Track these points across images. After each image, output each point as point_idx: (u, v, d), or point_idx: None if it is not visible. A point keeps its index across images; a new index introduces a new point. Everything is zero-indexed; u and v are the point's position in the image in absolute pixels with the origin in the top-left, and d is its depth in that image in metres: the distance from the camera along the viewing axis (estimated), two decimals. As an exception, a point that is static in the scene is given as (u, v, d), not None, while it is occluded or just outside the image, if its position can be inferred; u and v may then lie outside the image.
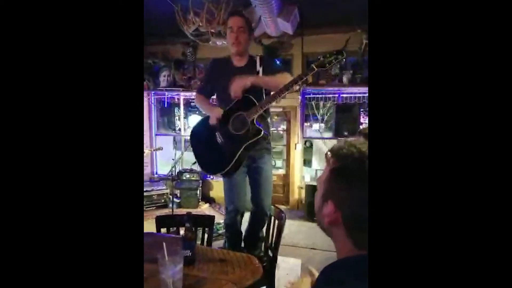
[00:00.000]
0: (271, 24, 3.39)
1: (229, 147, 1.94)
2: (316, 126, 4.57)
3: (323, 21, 3.73)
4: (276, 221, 1.88)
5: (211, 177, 4.64)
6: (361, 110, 4.13)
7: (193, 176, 4.42)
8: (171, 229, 1.87)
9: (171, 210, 3.73)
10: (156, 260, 1.06)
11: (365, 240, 0.53)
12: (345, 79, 3.92)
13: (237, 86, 1.87)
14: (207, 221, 1.84)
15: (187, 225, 1.33)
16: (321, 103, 4.35)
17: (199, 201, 4.42)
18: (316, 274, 0.91)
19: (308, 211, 3.91)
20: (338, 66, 3.90)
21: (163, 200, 4.33)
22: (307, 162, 4.53)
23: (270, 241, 1.90)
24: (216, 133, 1.98)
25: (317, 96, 4.28)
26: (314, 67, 1.84)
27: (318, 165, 4.43)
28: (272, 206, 2.04)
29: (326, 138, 4.44)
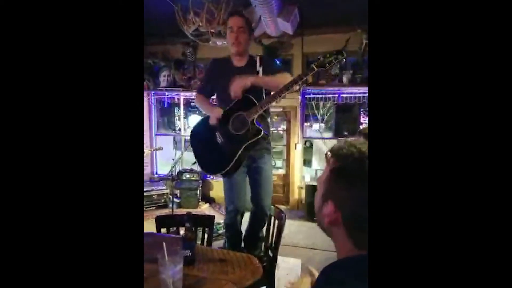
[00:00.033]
0: (271, 24, 3.39)
1: (229, 147, 1.94)
2: (316, 126, 4.57)
3: (323, 21, 3.73)
4: (276, 221, 1.88)
5: (211, 177, 4.64)
6: (361, 110, 4.13)
7: (193, 176, 4.42)
8: (171, 229, 1.87)
9: (171, 210, 3.72)
10: (156, 260, 1.06)
11: (365, 240, 0.53)
12: (345, 79, 3.92)
13: (237, 86, 1.87)
14: (207, 221, 1.84)
15: (187, 225, 1.33)
16: (321, 103, 4.35)
17: (199, 201, 4.42)
18: (316, 274, 0.91)
19: (308, 211, 3.91)
20: (338, 66, 3.90)
21: (163, 200, 4.33)
22: (307, 162, 4.53)
23: (270, 241, 1.90)
24: (216, 133, 1.98)
25: (317, 96, 4.28)
26: (314, 67, 1.84)
27: (318, 165, 4.43)
28: (272, 206, 2.04)
29: (326, 138, 4.44)
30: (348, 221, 0.60)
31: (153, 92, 4.80)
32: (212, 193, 4.73)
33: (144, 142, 4.79)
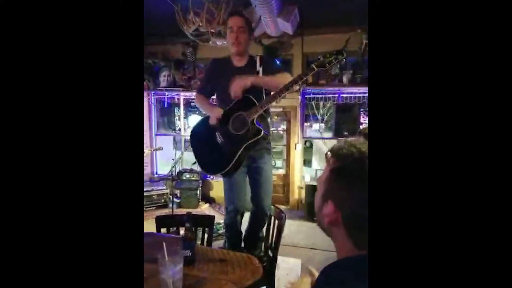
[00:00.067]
0: (271, 24, 3.39)
1: (229, 147, 1.94)
2: (316, 126, 4.57)
3: (323, 21, 3.73)
4: (276, 221, 1.88)
5: (211, 177, 4.64)
6: (361, 110, 4.13)
7: (193, 176, 4.42)
8: (171, 229, 1.87)
9: (171, 210, 3.72)
10: (156, 260, 1.06)
11: (365, 240, 0.53)
12: (345, 79, 3.92)
13: (237, 86, 1.87)
14: (207, 221, 1.84)
15: (187, 225, 1.33)
16: (321, 103, 4.35)
17: (199, 201, 4.42)
18: (316, 274, 0.91)
19: (308, 211, 3.91)
20: (338, 66, 3.90)
21: (163, 200, 4.33)
22: (307, 162, 4.53)
23: (270, 241, 1.90)
24: (216, 133, 1.98)
25: (317, 96, 4.28)
26: (314, 67, 1.84)
27: (318, 165, 4.43)
28: (272, 206, 2.04)
29: (326, 138, 4.44)
30: (348, 221, 0.60)
31: (153, 92, 4.80)
32: (212, 193, 4.73)
33: (144, 142, 4.79)
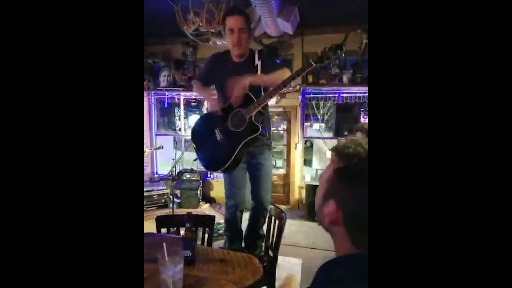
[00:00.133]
0: (271, 24, 3.39)
1: (228, 143, 1.94)
2: (316, 125, 4.57)
3: (323, 21, 3.73)
4: (277, 221, 1.88)
5: (212, 177, 4.64)
6: (361, 110, 4.13)
7: (193, 176, 4.42)
8: (171, 229, 1.87)
9: (171, 210, 3.72)
10: (156, 260, 1.06)
11: (365, 240, 0.53)
12: (345, 78, 3.92)
13: (237, 92, 1.87)
14: (208, 221, 1.84)
15: (188, 225, 1.33)
16: (321, 103, 4.35)
17: (200, 201, 4.42)
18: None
19: (308, 211, 3.91)
20: (338, 65, 3.90)
21: (163, 200, 4.33)
22: (307, 162, 4.53)
23: (270, 241, 1.90)
24: (216, 130, 1.99)
25: (317, 95, 4.28)
26: (312, 63, 1.83)
27: (319, 164, 4.43)
28: (273, 206, 2.04)
29: (327, 138, 4.45)
30: (349, 221, 0.59)
31: (153, 92, 4.80)
32: (213, 193, 4.73)
33: (144, 142, 4.79)
